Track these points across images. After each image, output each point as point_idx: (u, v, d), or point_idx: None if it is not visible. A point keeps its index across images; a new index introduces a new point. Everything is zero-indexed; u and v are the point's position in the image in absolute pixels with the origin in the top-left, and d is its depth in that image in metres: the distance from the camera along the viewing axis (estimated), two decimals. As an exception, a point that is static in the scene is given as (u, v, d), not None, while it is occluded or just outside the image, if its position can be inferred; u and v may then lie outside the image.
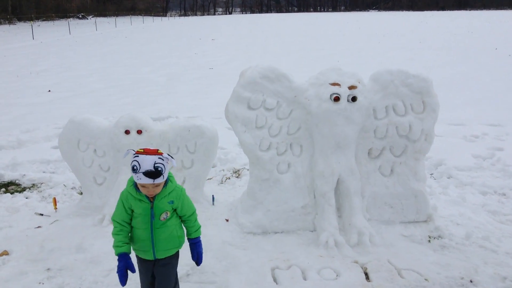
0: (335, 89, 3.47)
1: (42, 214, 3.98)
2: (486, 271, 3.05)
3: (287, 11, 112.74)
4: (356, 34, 29.07)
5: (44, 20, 52.70)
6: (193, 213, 2.46)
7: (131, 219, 2.37)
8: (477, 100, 9.07)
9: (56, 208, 4.07)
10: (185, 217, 2.44)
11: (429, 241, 3.47)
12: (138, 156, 2.23)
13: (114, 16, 58.61)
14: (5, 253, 3.34)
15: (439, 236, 3.51)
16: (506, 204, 4.15)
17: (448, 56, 16.55)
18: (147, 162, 2.20)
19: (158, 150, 2.30)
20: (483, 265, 3.13)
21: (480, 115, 7.72)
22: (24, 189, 4.68)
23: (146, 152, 2.25)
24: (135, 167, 2.21)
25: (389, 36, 27.06)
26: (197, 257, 2.48)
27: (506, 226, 3.70)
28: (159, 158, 2.23)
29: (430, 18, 49.47)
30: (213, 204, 4.09)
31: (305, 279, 3.00)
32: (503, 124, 7.01)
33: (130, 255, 2.37)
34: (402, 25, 38.64)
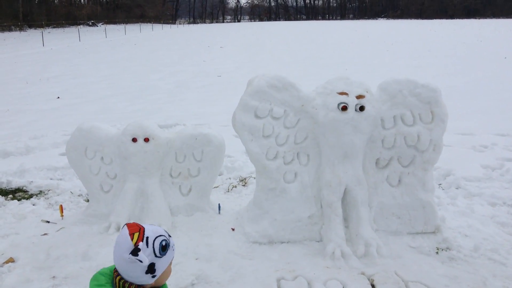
0: (343, 98, 3.45)
1: (48, 221, 3.99)
2: (495, 284, 3.00)
3: (296, 19, 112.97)
4: (364, 42, 29.05)
5: (54, 27, 53.23)
6: None
7: None
8: (486, 109, 9.00)
9: (62, 216, 4.07)
10: None
11: (437, 252, 3.43)
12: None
13: (123, 23, 59.09)
14: (11, 260, 3.34)
15: (447, 248, 3.47)
16: (515, 215, 4.09)
17: (457, 64, 16.47)
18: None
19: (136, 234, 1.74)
20: (492, 277, 3.08)
21: (489, 124, 7.65)
22: (31, 196, 4.69)
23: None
24: None
25: (397, 44, 27.01)
26: None
27: (516, 238, 3.64)
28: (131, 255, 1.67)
29: (439, 27, 49.37)
30: (219, 212, 4.08)
31: (311, 290, 2.97)
32: (513, 134, 6.94)
33: None
34: (411, 33, 38.58)
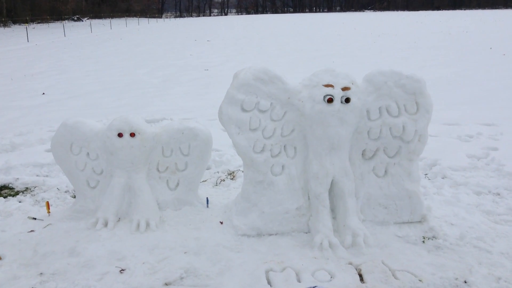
0: (329, 90, 3.46)
1: (35, 218, 3.95)
2: (481, 272, 3.05)
3: (283, 12, 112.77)
4: (351, 35, 29.12)
5: (39, 23, 52.56)
6: None
7: None
8: (472, 100, 9.09)
9: (49, 212, 4.04)
10: None
11: (423, 241, 3.47)
12: None
13: (109, 18, 58.53)
14: (-2, 257, 3.32)
15: (434, 237, 3.51)
16: (500, 204, 4.15)
17: (443, 55, 16.59)
18: None
19: None
20: (478, 265, 3.13)
21: (474, 114, 7.73)
22: (17, 193, 4.65)
23: None
24: None
25: (384, 36, 27.11)
26: None
27: (501, 226, 3.70)
28: None
29: (425, 18, 49.61)
30: (207, 206, 4.08)
31: (299, 281, 2.99)
32: (498, 123, 7.02)
33: None
34: (397, 25, 38.73)
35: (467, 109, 8.23)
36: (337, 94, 3.44)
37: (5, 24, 47.37)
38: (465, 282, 2.94)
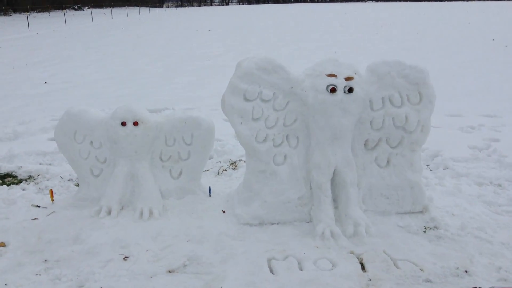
0: (332, 80, 3.47)
1: (39, 206, 3.98)
2: (481, 261, 3.07)
3: (284, 1, 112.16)
4: (353, 25, 28.99)
5: (40, 12, 52.34)
6: None
7: None
8: (474, 91, 9.08)
9: (53, 200, 4.07)
10: None
11: (424, 231, 3.49)
12: None
13: (110, 7, 58.25)
14: (2, 244, 3.35)
15: (435, 227, 3.53)
16: (501, 195, 4.17)
17: (445, 46, 16.53)
18: None
19: None
20: (478, 255, 3.15)
21: (476, 106, 7.73)
22: (20, 181, 4.67)
23: None
24: None
25: (386, 26, 26.99)
26: None
27: (501, 217, 3.72)
28: None
29: (428, 9, 49.32)
30: (209, 195, 4.10)
31: (301, 269, 3.02)
32: (499, 115, 7.03)
33: None
34: (399, 15, 38.53)
35: (469, 100, 8.22)
36: (340, 84, 3.44)
37: (5, 13, 47.19)
38: (466, 271, 2.97)
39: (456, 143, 5.58)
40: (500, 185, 4.38)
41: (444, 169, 4.82)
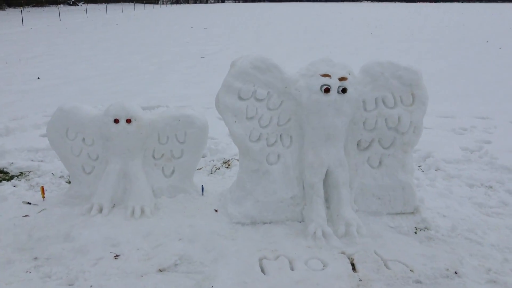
0: (326, 80, 3.47)
1: (30, 203, 3.96)
2: (471, 263, 3.09)
3: (280, 0, 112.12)
4: (348, 25, 29.04)
5: (34, 6, 51.99)
6: None
7: None
8: (467, 93, 9.13)
9: (44, 197, 4.05)
10: None
11: (415, 232, 3.50)
12: None
13: (105, 3, 57.95)
14: (-8, 241, 3.32)
15: (426, 228, 3.55)
16: (492, 196, 4.19)
17: (439, 48, 16.60)
18: None
19: None
20: (468, 256, 3.16)
21: (469, 107, 7.76)
22: (12, 178, 4.64)
23: None
24: None
25: (381, 27, 27.06)
26: None
27: (492, 219, 3.74)
28: None
29: (422, 10, 49.50)
30: (202, 194, 4.09)
31: (292, 269, 3.02)
32: (492, 117, 7.07)
33: None
34: (394, 16, 38.65)
35: (462, 102, 8.26)
36: (334, 84, 3.45)
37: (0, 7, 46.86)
38: (456, 273, 2.98)
39: (448, 145, 5.60)
40: (491, 187, 4.41)
41: (436, 170, 4.84)
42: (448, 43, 18.11)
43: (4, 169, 4.83)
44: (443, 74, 11.26)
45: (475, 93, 9.08)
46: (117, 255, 3.14)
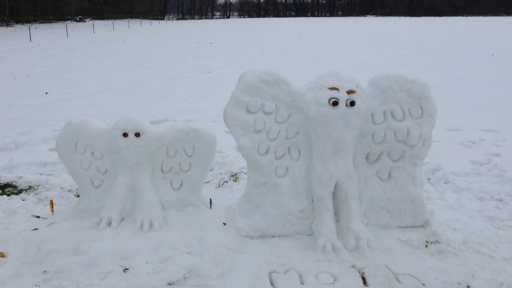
0: (334, 93, 3.47)
1: (38, 217, 3.96)
2: (483, 277, 3.05)
3: (285, 15, 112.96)
4: (353, 39, 29.16)
5: (41, 23, 52.61)
6: None
7: None
8: (474, 106, 9.11)
9: (53, 211, 4.05)
10: None
11: (426, 246, 3.47)
12: None
13: (111, 19, 58.61)
14: (1, 255, 3.32)
15: (436, 241, 3.52)
16: (503, 209, 4.16)
17: (445, 61, 16.61)
18: None
19: None
20: (480, 270, 3.13)
21: (477, 120, 7.74)
22: (20, 191, 4.66)
23: None
24: None
25: (386, 41, 27.16)
26: None
27: (503, 232, 3.70)
28: None
29: (427, 24, 49.69)
30: (210, 207, 4.09)
31: (302, 283, 3.00)
32: (500, 129, 7.04)
33: None
34: (399, 30, 38.79)
35: (470, 115, 8.24)
36: (342, 97, 3.45)
37: (8, 24, 47.46)
38: (468, 287, 2.95)
39: (457, 158, 5.58)
40: (501, 200, 4.37)
41: (445, 183, 4.82)
42: (454, 57, 18.13)
43: (13, 183, 4.85)
44: (450, 87, 11.25)
45: (482, 106, 9.06)
46: (126, 269, 3.13)
